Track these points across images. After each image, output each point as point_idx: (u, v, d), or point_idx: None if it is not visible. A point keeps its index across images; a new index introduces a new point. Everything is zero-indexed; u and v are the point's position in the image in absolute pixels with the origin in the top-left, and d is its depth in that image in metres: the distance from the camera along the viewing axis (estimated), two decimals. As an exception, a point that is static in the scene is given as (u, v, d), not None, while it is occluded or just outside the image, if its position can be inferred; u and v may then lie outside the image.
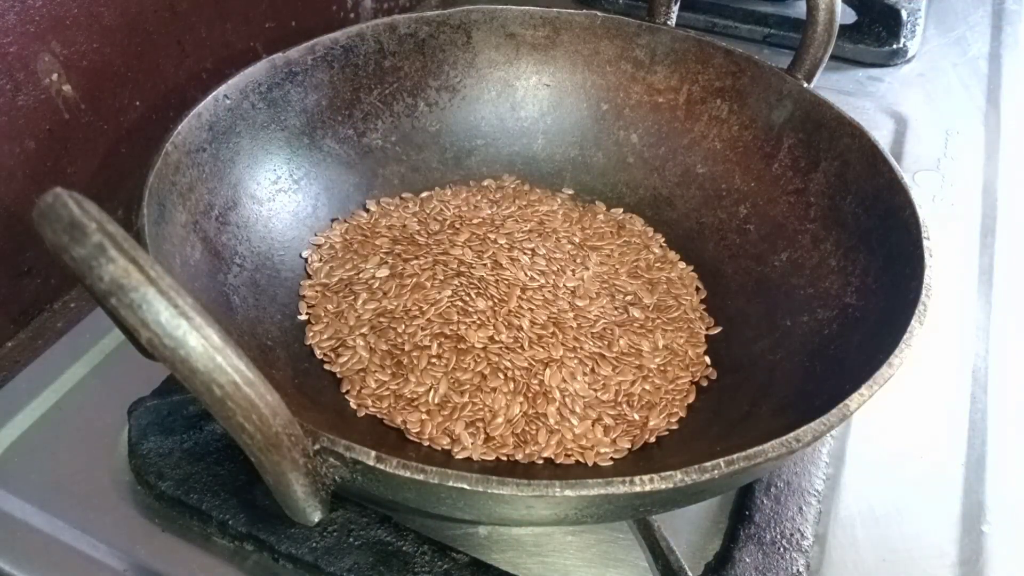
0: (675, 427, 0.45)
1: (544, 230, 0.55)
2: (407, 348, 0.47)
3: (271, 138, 0.52)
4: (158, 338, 0.24)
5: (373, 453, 0.31)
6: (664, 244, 0.57)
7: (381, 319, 0.48)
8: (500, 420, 0.43)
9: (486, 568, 0.41)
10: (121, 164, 0.57)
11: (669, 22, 0.59)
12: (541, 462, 0.43)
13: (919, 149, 0.70)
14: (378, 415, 0.44)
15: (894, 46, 0.79)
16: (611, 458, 0.43)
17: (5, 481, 0.45)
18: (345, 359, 0.47)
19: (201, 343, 0.24)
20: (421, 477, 0.30)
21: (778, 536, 0.43)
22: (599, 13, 0.60)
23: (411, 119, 0.59)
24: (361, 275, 0.51)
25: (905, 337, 0.37)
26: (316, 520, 0.32)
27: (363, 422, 0.44)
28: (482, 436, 0.43)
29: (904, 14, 0.79)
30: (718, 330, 0.51)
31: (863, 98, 0.75)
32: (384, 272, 0.51)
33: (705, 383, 0.48)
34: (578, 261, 0.53)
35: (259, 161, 0.51)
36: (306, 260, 0.52)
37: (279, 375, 0.44)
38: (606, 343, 0.48)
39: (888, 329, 0.38)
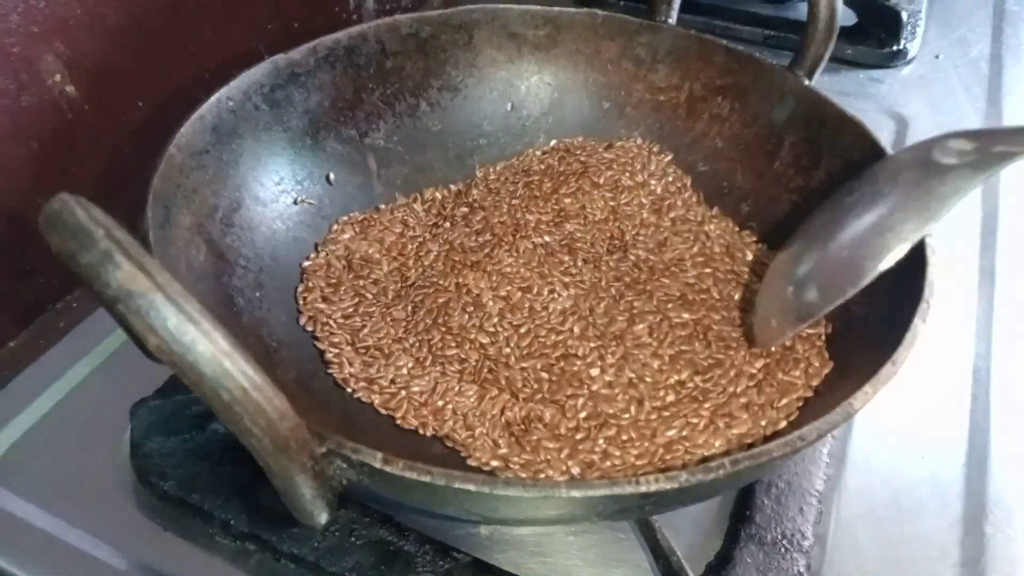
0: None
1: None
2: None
3: (274, 139, 0.52)
4: (166, 344, 0.24)
5: (380, 455, 0.31)
6: None
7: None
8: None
9: (488, 568, 0.41)
10: (125, 165, 0.57)
11: (670, 21, 0.59)
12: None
13: (920, 149, 0.70)
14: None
15: (894, 48, 0.79)
16: None
17: (7, 481, 0.45)
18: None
19: (209, 348, 0.24)
20: (428, 479, 0.30)
21: (779, 536, 0.43)
22: (600, 12, 0.60)
23: (413, 119, 0.59)
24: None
25: (908, 335, 0.37)
26: (323, 522, 0.32)
27: (370, 422, 0.44)
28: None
29: (904, 16, 0.79)
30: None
31: (864, 99, 0.75)
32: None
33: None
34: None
35: (262, 163, 0.51)
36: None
37: (285, 377, 0.44)
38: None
39: (891, 327, 0.38)
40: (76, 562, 0.42)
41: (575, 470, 0.42)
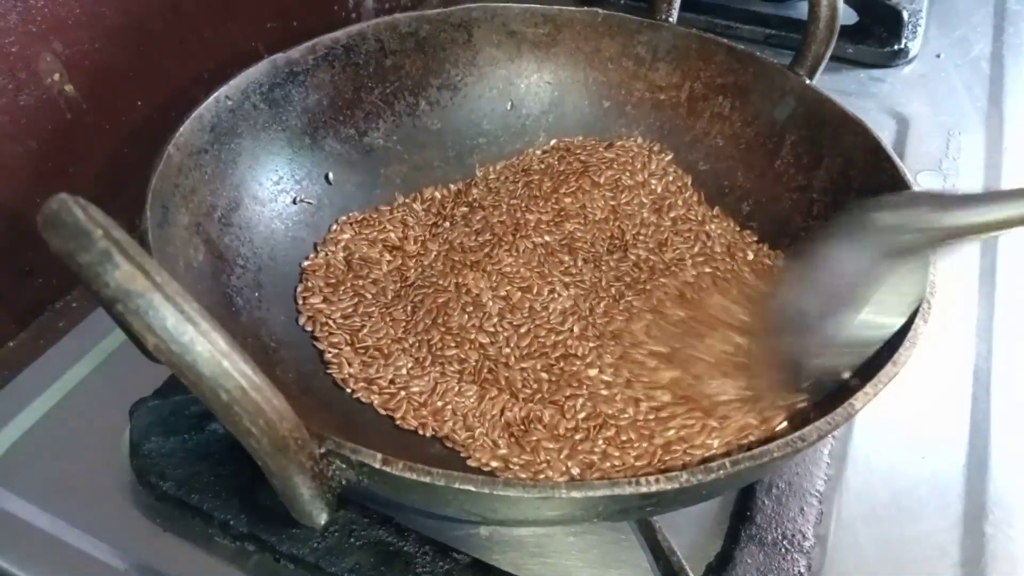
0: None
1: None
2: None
3: (272, 139, 0.52)
4: (165, 344, 0.24)
5: (379, 456, 0.31)
6: None
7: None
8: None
9: (487, 569, 0.41)
10: (124, 164, 0.57)
11: (670, 19, 0.59)
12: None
13: (921, 150, 0.70)
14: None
15: (895, 47, 0.79)
16: None
17: (7, 481, 0.45)
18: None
19: (207, 348, 0.24)
20: (427, 480, 0.30)
21: (779, 537, 0.43)
22: (600, 10, 0.60)
23: (412, 118, 0.59)
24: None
25: (910, 335, 0.37)
26: (323, 522, 0.32)
27: (369, 423, 0.44)
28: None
29: (905, 15, 0.79)
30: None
31: (865, 99, 0.75)
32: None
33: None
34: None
35: (261, 162, 0.51)
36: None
37: (284, 377, 0.44)
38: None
39: (891, 328, 0.38)
40: (76, 562, 0.42)
41: (575, 471, 0.42)
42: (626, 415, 0.44)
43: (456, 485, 0.30)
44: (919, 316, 0.38)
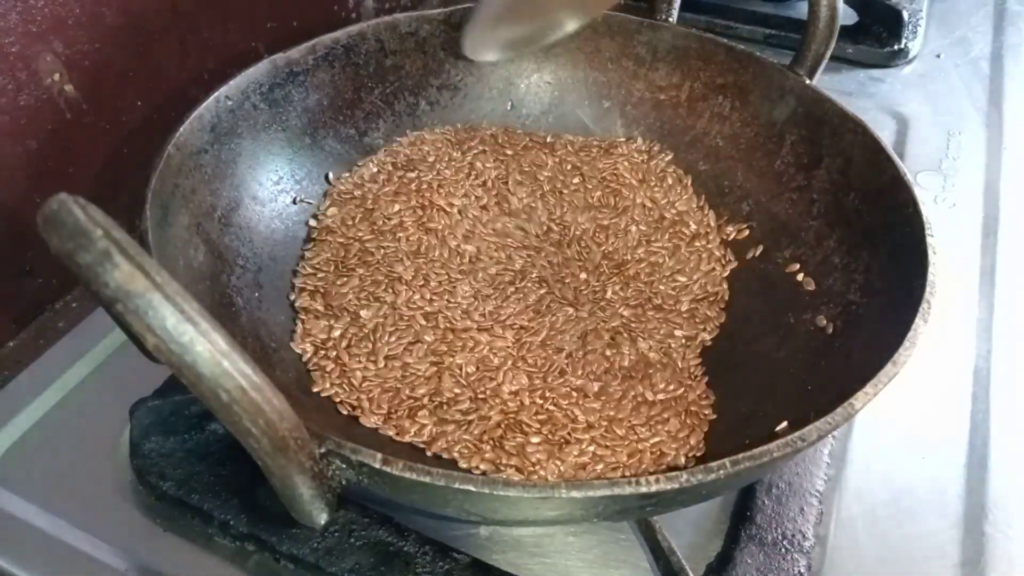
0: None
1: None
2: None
3: (272, 139, 0.52)
4: (164, 344, 0.24)
5: (379, 456, 0.31)
6: None
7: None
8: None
9: (487, 569, 0.41)
10: (123, 164, 0.57)
11: (670, 19, 0.59)
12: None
13: (921, 150, 0.70)
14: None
15: (895, 47, 0.79)
16: None
17: (7, 481, 0.45)
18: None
19: (207, 348, 0.24)
20: (427, 479, 0.30)
21: (779, 537, 0.43)
22: (600, 11, 0.60)
23: (412, 118, 0.59)
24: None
25: (910, 335, 0.37)
26: (322, 522, 0.32)
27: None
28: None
29: (905, 15, 0.79)
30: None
31: (864, 99, 0.75)
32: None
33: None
34: None
35: (261, 162, 0.51)
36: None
37: (284, 377, 0.44)
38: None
39: (892, 327, 0.38)
40: (75, 562, 0.42)
41: (568, 472, 0.41)
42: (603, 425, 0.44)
43: (456, 485, 0.30)
44: (919, 316, 0.38)
